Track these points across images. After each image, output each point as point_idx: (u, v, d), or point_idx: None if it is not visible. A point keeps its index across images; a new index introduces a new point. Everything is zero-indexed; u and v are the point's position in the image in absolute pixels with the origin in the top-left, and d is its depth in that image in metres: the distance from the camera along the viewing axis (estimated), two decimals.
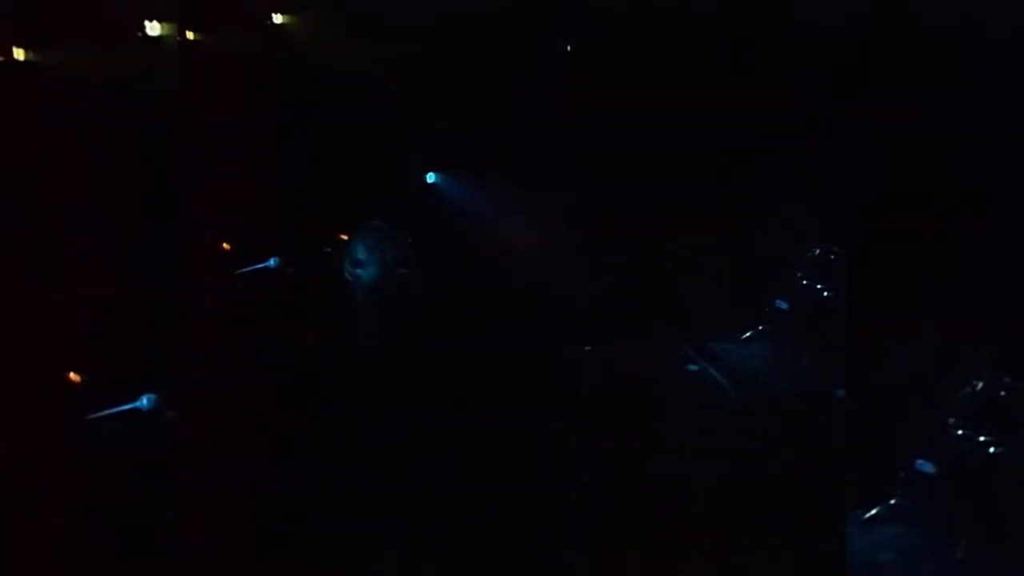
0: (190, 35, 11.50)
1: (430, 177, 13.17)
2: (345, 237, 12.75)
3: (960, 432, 9.65)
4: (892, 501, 10.00)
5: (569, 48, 12.96)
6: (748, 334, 12.65)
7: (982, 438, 9.61)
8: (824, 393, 11.49)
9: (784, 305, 12.43)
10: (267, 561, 9.92)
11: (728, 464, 10.99)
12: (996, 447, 9.57)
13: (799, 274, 12.32)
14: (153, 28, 11.07)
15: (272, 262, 11.84)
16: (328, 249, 12.73)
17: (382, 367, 11.95)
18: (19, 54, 9.92)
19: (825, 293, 12.11)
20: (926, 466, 9.78)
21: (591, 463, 11.25)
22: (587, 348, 12.51)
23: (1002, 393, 9.62)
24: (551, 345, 12.29)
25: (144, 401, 9.82)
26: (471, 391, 11.75)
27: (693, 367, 12.48)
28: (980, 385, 9.66)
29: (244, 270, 11.70)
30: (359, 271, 12.46)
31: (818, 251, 12.20)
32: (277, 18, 12.53)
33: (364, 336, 12.42)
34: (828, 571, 9.70)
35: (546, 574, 9.99)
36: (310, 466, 10.91)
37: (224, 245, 11.80)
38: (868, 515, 10.06)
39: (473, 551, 10.05)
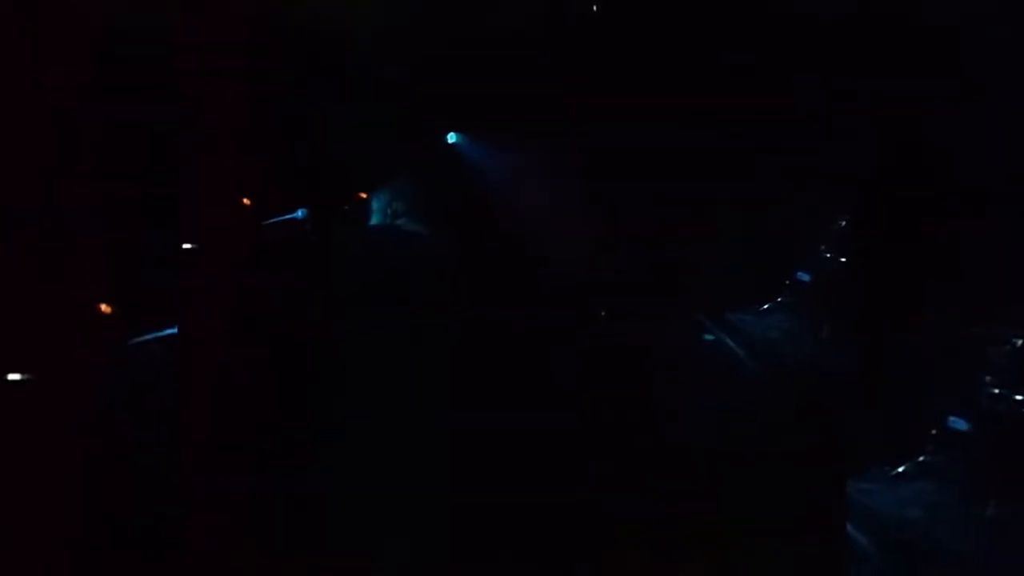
0: None
1: (451, 137, 13.06)
2: (364, 195, 12.74)
3: (995, 390, 9.60)
4: (922, 458, 9.95)
5: (595, 8, 12.90)
6: (767, 305, 12.55)
7: (1018, 397, 9.55)
8: (843, 366, 11.43)
9: (806, 277, 12.34)
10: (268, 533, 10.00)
11: (740, 434, 10.97)
12: None
13: (822, 246, 12.23)
14: None
15: (300, 213, 11.96)
16: (346, 207, 12.72)
17: (391, 331, 11.91)
18: None
19: (848, 265, 12.03)
20: (959, 423, 9.73)
21: (599, 433, 11.20)
22: (602, 313, 12.44)
23: None
24: (563, 310, 12.24)
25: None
26: (481, 354, 11.70)
27: (709, 337, 12.40)
28: (1019, 343, 9.62)
29: (272, 220, 11.76)
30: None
31: (843, 223, 12.10)
32: None
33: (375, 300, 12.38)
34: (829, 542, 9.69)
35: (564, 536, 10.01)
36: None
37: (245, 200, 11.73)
38: (897, 471, 10.00)
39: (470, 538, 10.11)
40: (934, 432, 9.88)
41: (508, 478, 10.65)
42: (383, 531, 10.08)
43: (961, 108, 10.66)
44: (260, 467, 10.52)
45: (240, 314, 11.00)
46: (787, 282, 12.54)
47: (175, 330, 9.85)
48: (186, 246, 10.75)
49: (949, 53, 10.90)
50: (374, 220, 12.81)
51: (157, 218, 10.64)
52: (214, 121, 10.97)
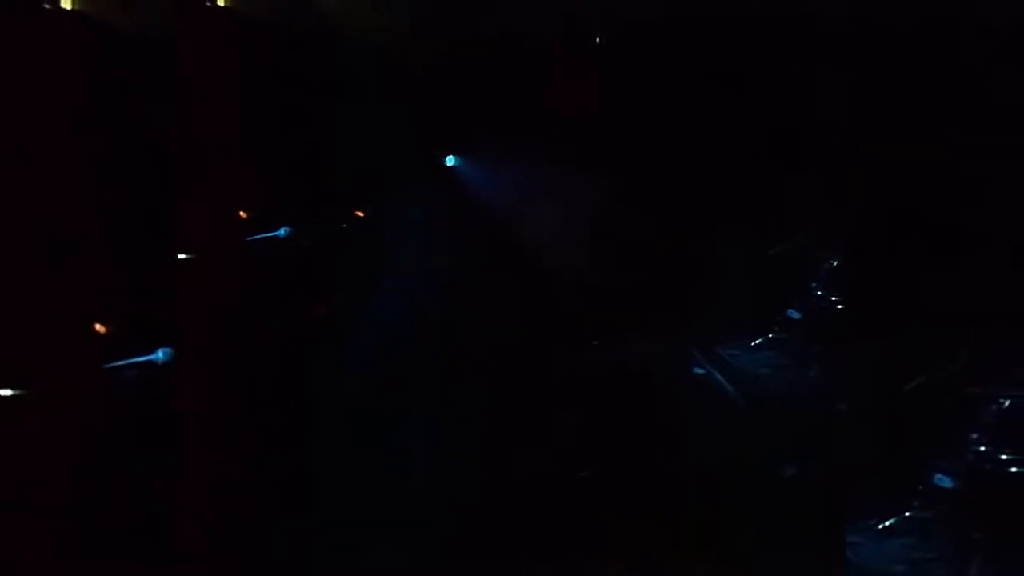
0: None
1: (449, 160, 13.09)
2: (361, 214, 12.77)
3: (982, 449, 9.68)
4: (908, 513, 10.04)
5: (599, 40, 12.93)
6: (758, 341, 12.63)
7: (1004, 456, 9.65)
8: (829, 405, 11.52)
9: (796, 315, 12.43)
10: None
11: (722, 469, 11.04)
12: (1017, 466, 9.62)
13: (814, 284, 12.31)
14: None
15: (282, 232, 11.66)
16: (344, 225, 12.71)
17: (385, 351, 11.95)
18: None
19: (839, 306, 12.11)
20: (944, 480, 9.82)
21: (590, 458, 11.29)
22: (594, 343, 12.49)
23: None
24: (558, 337, 12.29)
25: (160, 354, 9.56)
26: (472, 380, 11.79)
27: (699, 370, 12.47)
28: (1007, 403, 9.71)
29: (253, 237, 11.51)
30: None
31: (835, 263, 12.19)
32: None
33: (370, 318, 12.40)
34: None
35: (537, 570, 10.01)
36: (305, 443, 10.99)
37: (241, 213, 11.66)
38: (883, 525, 10.08)
39: (467, 543, 10.20)
40: (920, 488, 9.95)
41: (501, 491, 10.81)
42: (378, 536, 10.16)
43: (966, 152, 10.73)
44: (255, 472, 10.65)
45: (235, 322, 11.07)
46: (778, 318, 12.62)
47: (154, 356, 9.67)
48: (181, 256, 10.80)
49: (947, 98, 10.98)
50: (370, 239, 12.82)
51: (152, 228, 10.60)
52: (208, 133, 10.98)
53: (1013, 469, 9.60)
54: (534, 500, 10.79)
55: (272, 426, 11.05)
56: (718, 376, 12.38)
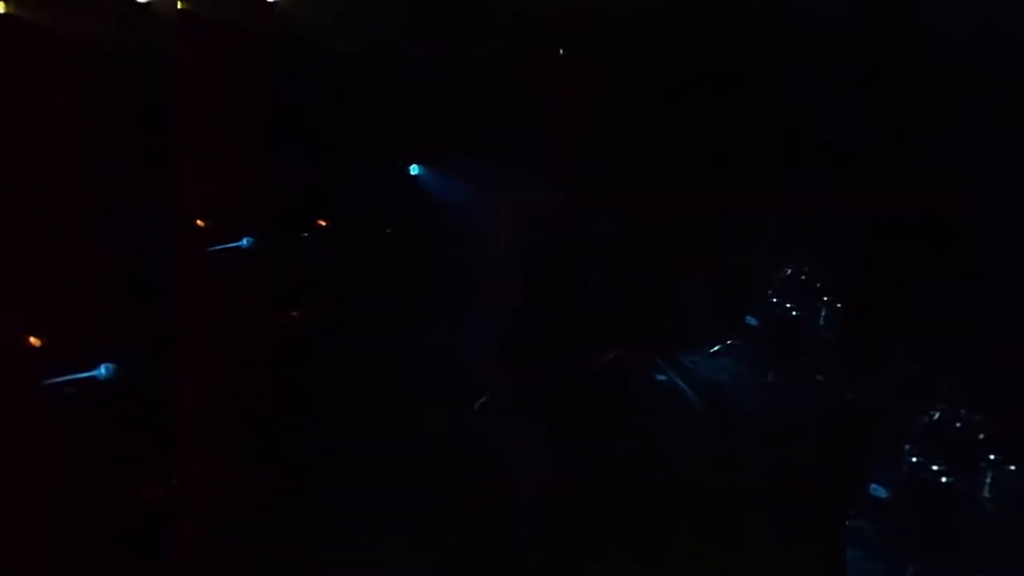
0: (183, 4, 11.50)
1: (413, 169, 13.19)
2: (323, 223, 12.90)
3: (915, 460, 9.75)
4: (845, 523, 10.10)
5: (562, 51, 13.01)
6: (717, 348, 12.72)
7: (936, 467, 9.71)
8: (785, 409, 11.62)
9: (754, 322, 12.52)
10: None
11: (681, 471, 11.09)
12: (949, 476, 9.68)
13: (770, 292, 12.40)
14: None
15: (244, 242, 11.76)
16: (306, 234, 12.84)
17: (350, 359, 12.08)
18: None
19: (794, 313, 12.20)
20: (879, 491, 9.87)
21: (551, 462, 11.38)
22: (559, 352, 12.57)
23: (958, 424, 9.73)
24: (521, 344, 12.38)
25: (102, 370, 9.69)
26: (438, 387, 11.88)
27: (661, 377, 12.56)
28: (937, 415, 9.77)
29: (215, 248, 11.60)
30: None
31: (790, 271, 12.28)
32: None
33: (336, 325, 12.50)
34: None
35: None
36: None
37: (199, 222, 11.74)
38: None
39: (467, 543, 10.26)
40: (856, 498, 10.02)
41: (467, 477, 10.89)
42: (373, 533, 10.24)
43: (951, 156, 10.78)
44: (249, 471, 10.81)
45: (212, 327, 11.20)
46: (736, 326, 12.71)
47: (96, 372, 9.74)
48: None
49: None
50: (336, 246, 12.93)
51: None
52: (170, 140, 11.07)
53: (944, 479, 9.65)
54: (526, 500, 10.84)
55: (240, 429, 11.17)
56: (679, 382, 12.47)
